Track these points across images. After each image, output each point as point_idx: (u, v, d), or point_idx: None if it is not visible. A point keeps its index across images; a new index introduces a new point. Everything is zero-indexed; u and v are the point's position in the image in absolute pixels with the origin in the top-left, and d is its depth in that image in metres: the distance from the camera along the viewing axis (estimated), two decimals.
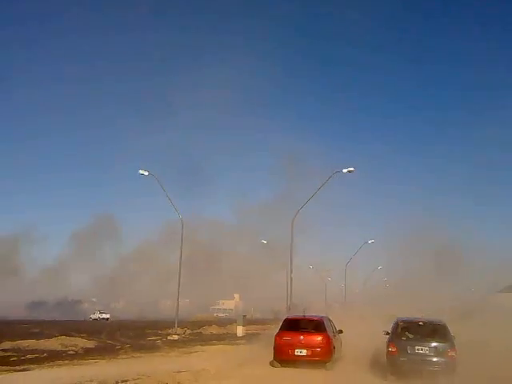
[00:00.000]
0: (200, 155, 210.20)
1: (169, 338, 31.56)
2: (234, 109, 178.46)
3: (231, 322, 48.23)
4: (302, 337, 16.30)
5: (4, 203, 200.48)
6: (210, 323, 49.65)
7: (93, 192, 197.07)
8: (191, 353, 22.03)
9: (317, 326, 16.93)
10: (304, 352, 16.05)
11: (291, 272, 34.82)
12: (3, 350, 21.07)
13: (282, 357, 16.42)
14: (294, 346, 16.17)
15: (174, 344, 26.61)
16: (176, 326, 35.18)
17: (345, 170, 31.70)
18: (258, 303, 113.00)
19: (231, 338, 31.58)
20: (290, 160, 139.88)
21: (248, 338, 32.08)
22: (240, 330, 34.86)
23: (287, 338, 16.46)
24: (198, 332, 39.57)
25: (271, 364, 16.78)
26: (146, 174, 34.79)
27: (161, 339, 30.39)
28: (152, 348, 24.13)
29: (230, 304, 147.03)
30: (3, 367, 15.63)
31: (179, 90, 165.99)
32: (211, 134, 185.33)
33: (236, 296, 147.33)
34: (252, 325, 44.89)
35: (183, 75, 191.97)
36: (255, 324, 50.33)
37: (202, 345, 26.07)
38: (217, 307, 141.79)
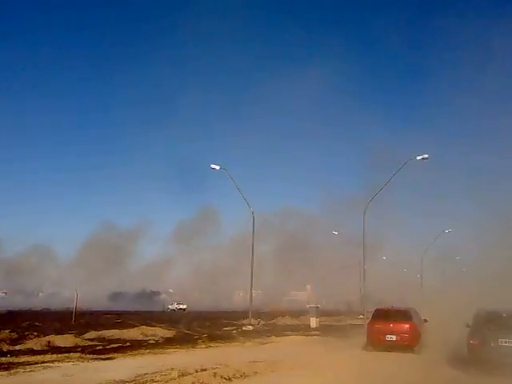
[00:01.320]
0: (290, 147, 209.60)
1: (243, 328, 32.05)
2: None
3: (304, 313, 48.23)
4: (391, 325, 18.45)
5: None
6: (283, 314, 49.91)
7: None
8: (266, 343, 22.29)
9: (404, 315, 19.00)
10: (394, 337, 18.23)
11: (364, 263, 34.25)
12: (89, 340, 22.23)
13: (375, 342, 18.76)
14: (384, 333, 18.36)
15: (248, 334, 27.00)
16: (250, 316, 35.66)
17: (419, 157, 30.70)
18: (331, 295, 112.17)
19: (305, 329, 31.57)
20: (374, 150, 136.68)
21: (322, 329, 31.98)
22: (313, 322, 34.77)
23: (378, 325, 18.66)
24: (272, 323, 39.88)
25: (365, 348, 19.04)
26: (218, 168, 35.33)
27: (236, 329, 30.93)
28: (228, 338, 24.62)
29: (302, 295, 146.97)
30: (90, 355, 16.54)
31: None
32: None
33: (308, 287, 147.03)
34: (325, 316, 44.65)
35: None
36: (328, 315, 50.04)
37: (276, 335, 26.29)
38: (289, 298, 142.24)
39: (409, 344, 18.16)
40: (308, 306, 39.08)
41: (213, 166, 35.19)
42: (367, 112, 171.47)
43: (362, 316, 39.57)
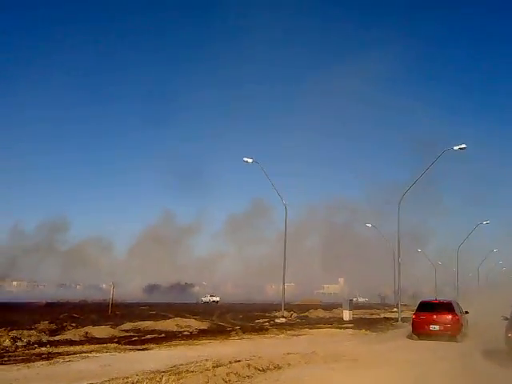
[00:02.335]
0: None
1: (276, 320, 32.12)
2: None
3: (336, 306, 48.02)
4: (435, 316, 19.91)
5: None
6: (315, 307, 49.83)
7: None
8: (299, 335, 22.27)
9: (447, 307, 20.47)
10: (437, 327, 19.71)
11: (399, 256, 33.78)
12: (125, 331, 22.70)
13: (419, 331, 20.26)
14: (428, 323, 19.88)
15: (281, 326, 27.05)
16: (283, 309, 35.71)
17: (456, 148, 29.99)
18: (364, 288, 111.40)
19: (338, 322, 31.41)
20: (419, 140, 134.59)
21: (356, 322, 31.75)
22: (347, 315, 34.55)
23: (423, 316, 20.10)
24: (304, 315, 39.86)
25: (409, 337, 20.84)
26: (250, 161, 35.22)
27: (268, 322, 31.03)
28: (261, 330, 24.72)
29: (334, 288, 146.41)
30: (126, 346, 16.87)
31: None
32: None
33: (341, 280, 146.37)
34: (358, 309, 44.34)
35: None
36: (362, 309, 49.73)
37: (309, 328, 26.25)
38: (321, 291, 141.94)
39: (451, 333, 19.45)
40: (344, 299, 38.80)
41: (245, 159, 35.08)
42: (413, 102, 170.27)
43: (396, 309, 39.18)
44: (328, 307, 49.51)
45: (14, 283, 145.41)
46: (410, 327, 20.99)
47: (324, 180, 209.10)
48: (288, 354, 14.42)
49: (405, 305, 42.39)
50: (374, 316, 42.18)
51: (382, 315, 42.85)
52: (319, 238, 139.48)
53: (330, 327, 27.18)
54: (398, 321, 31.73)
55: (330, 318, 37.74)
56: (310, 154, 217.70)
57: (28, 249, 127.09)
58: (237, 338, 20.87)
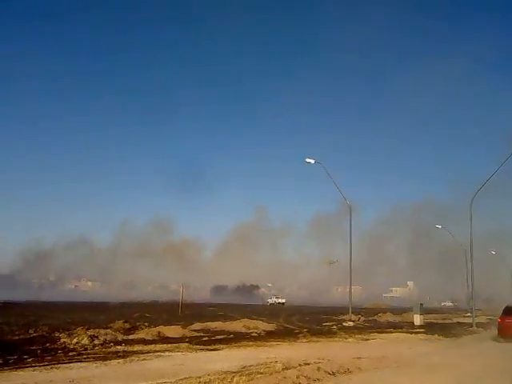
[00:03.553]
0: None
1: (344, 324, 31.71)
2: None
3: (406, 310, 46.72)
4: None
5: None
6: (383, 311, 48.70)
7: None
8: (368, 339, 21.85)
9: None
10: None
11: (472, 258, 32.35)
12: (195, 331, 23.21)
13: (506, 334, 20.89)
14: None
15: (349, 330, 26.64)
16: (350, 312, 35.18)
17: None
18: (435, 292, 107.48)
19: (409, 327, 30.52)
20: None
21: (427, 327, 30.75)
22: (417, 319, 33.51)
23: (509, 320, 20.92)
24: (373, 319, 39.05)
25: (495, 340, 21.51)
26: (313, 162, 34.88)
27: (336, 325, 30.67)
28: (329, 333, 24.49)
29: (402, 292, 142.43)
30: (197, 346, 17.28)
31: None
32: None
33: (410, 284, 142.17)
34: (429, 314, 42.87)
35: None
36: (433, 313, 48.04)
37: (378, 332, 25.69)
38: (389, 295, 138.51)
39: None
40: (415, 303, 37.64)
41: (307, 159, 34.72)
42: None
43: (469, 314, 37.52)
44: (397, 311, 48.22)
45: (89, 283, 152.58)
46: (486, 333, 20.79)
47: (394, 184, 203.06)
48: (358, 358, 14.21)
49: (478, 309, 40.52)
50: (446, 321, 40.65)
51: (455, 320, 41.24)
52: (388, 240, 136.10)
53: (400, 332, 26.48)
54: (472, 326, 30.40)
55: (400, 322, 36.73)
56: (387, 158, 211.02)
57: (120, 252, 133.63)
58: (305, 340, 20.79)
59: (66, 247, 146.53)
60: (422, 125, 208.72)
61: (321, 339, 21.26)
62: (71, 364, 12.63)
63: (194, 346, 17.17)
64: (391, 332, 26.22)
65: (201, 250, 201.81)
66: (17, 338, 18.60)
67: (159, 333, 21.09)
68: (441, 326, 31.84)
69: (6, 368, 11.77)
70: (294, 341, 20.31)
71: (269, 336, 22.09)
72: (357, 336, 23.19)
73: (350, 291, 36.93)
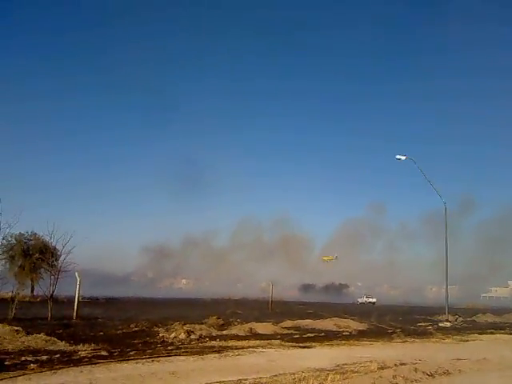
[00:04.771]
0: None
1: (440, 324, 30.46)
2: None
3: (508, 310, 43.95)
4: None
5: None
6: (482, 311, 46.17)
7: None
8: (468, 341, 20.85)
9: None
10: None
11: None
12: (286, 328, 23.41)
13: None
14: None
15: (447, 331, 25.55)
16: (447, 312, 33.72)
17: None
18: None
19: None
20: None
21: None
22: None
23: None
24: (471, 320, 37.14)
25: None
26: (403, 158, 34.27)
27: (431, 325, 29.54)
28: (424, 334, 23.63)
29: (503, 292, 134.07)
30: (289, 343, 17.41)
31: None
32: None
33: (510, 283, 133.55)
34: None
35: None
36: None
37: (479, 333, 24.40)
38: (488, 295, 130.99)
39: None
40: None
41: (398, 156, 34.21)
42: None
43: None
44: (498, 312, 45.46)
45: (184, 281, 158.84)
46: None
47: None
48: (457, 359, 13.62)
49: None
50: None
51: None
52: (483, 237, 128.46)
53: (502, 333, 24.99)
54: None
55: (501, 323, 34.63)
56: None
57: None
58: (399, 340, 20.23)
59: (183, 245, 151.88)
60: None
61: (416, 340, 20.58)
62: (170, 357, 13.23)
63: (286, 343, 17.32)
64: (492, 333, 24.83)
65: (311, 248, 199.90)
66: (120, 332, 19.82)
67: (251, 329, 21.52)
68: None
69: (112, 360, 12.54)
70: (388, 341, 19.83)
71: (361, 335, 21.74)
72: (455, 337, 22.20)
73: (447, 291, 35.39)
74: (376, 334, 22.81)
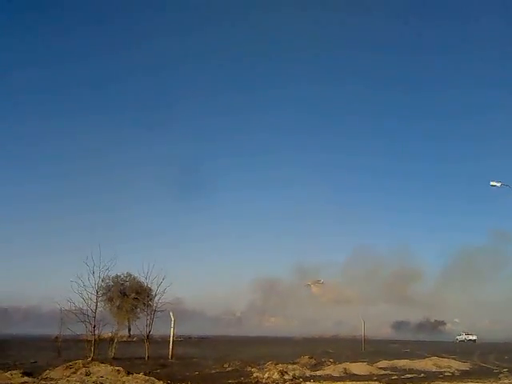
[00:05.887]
0: None
1: None
2: None
3: None
4: None
5: None
6: None
7: None
8: None
9: None
10: None
11: None
12: (382, 368, 22.44)
13: None
14: None
15: None
16: None
17: None
18: None
19: None
20: None
21: None
22: None
23: None
24: None
25: None
26: (499, 185, 32.86)
27: None
28: None
29: None
30: None
31: None
32: None
33: None
34: None
35: None
36: None
37: None
38: None
39: None
40: None
41: (493, 183, 32.83)
42: None
43: None
44: None
45: (272, 319, 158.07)
46: None
47: None
48: None
49: None
50: None
51: None
52: None
53: None
54: None
55: None
56: None
57: None
58: (507, 381, 18.71)
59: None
60: None
61: None
62: None
63: None
64: None
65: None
66: (214, 372, 20.04)
67: (345, 369, 20.89)
68: None
69: None
70: (495, 381, 18.39)
71: (465, 376, 20.36)
72: None
73: None
74: (481, 374, 21.24)
